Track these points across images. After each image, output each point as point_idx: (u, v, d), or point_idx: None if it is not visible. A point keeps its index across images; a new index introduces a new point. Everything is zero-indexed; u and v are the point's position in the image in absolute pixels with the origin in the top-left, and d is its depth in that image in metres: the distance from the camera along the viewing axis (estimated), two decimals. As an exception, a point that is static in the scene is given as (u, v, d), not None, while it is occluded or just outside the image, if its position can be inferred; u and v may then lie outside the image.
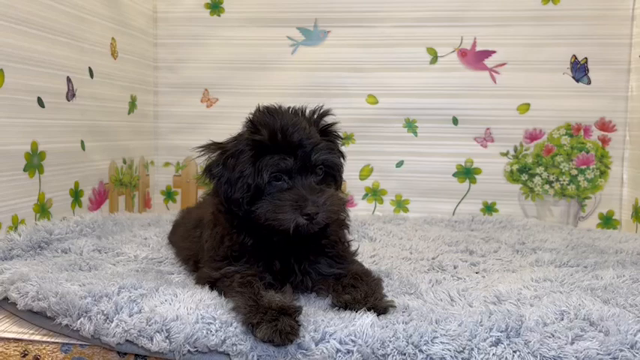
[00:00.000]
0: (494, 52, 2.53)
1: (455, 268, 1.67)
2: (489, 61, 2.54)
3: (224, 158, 1.31)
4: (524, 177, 2.56)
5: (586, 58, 2.47)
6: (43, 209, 1.91)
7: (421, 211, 2.60)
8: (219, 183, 1.31)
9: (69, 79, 2.04)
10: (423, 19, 2.55)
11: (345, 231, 1.46)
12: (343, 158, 1.40)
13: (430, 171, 2.61)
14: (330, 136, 1.37)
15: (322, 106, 1.39)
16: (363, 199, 2.67)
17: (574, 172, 2.52)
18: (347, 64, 2.61)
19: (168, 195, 2.80)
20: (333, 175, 1.36)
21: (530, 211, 2.57)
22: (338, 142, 1.39)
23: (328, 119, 1.38)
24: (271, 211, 1.25)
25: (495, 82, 2.54)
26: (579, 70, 2.48)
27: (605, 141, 2.49)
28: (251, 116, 1.34)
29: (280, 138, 1.27)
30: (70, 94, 2.05)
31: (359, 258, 1.52)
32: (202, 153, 1.35)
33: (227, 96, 2.69)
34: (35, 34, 1.84)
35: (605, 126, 2.49)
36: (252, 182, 1.26)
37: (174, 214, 2.11)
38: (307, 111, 1.37)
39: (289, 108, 1.35)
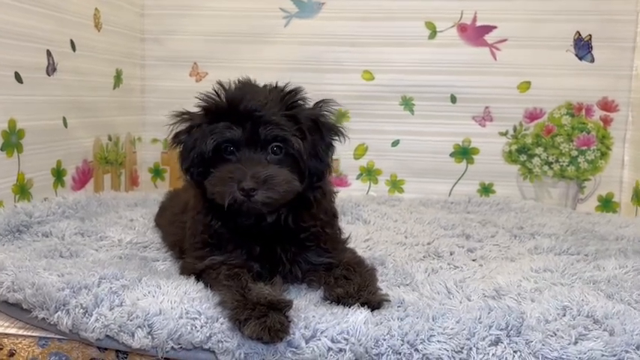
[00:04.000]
0: (495, 27, 2.43)
1: (451, 254, 1.62)
2: (490, 37, 2.44)
3: (189, 127, 1.27)
4: (523, 157, 2.49)
5: (590, 35, 2.38)
6: (22, 190, 1.83)
7: (417, 192, 2.53)
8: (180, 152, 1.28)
9: (49, 53, 1.93)
10: (422, -8, 2.44)
11: (336, 219, 1.38)
12: (304, 142, 1.21)
13: (426, 150, 2.53)
14: (296, 117, 1.22)
15: (298, 87, 1.26)
16: (357, 178, 2.61)
17: (574, 153, 2.45)
18: (342, 38, 2.51)
19: (157, 173, 2.72)
20: (295, 159, 1.21)
21: (528, 192, 2.51)
22: (304, 123, 1.23)
23: (297, 97, 1.25)
24: (212, 183, 1.19)
25: (495, 58, 2.45)
26: (583, 47, 2.39)
27: (606, 121, 2.42)
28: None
29: (231, 106, 1.20)
30: (51, 69, 1.95)
31: (352, 243, 1.47)
32: (175, 122, 1.30)
33: (217, 70, 2.58)
34: (11, 4, 1.73)
35: (607, 106, 2.41)
36: (199, 151, 1.21)
37: (162, 194, 2.04)
38: (282, 88, 1.26)
39: (265, 85, 1.27)
